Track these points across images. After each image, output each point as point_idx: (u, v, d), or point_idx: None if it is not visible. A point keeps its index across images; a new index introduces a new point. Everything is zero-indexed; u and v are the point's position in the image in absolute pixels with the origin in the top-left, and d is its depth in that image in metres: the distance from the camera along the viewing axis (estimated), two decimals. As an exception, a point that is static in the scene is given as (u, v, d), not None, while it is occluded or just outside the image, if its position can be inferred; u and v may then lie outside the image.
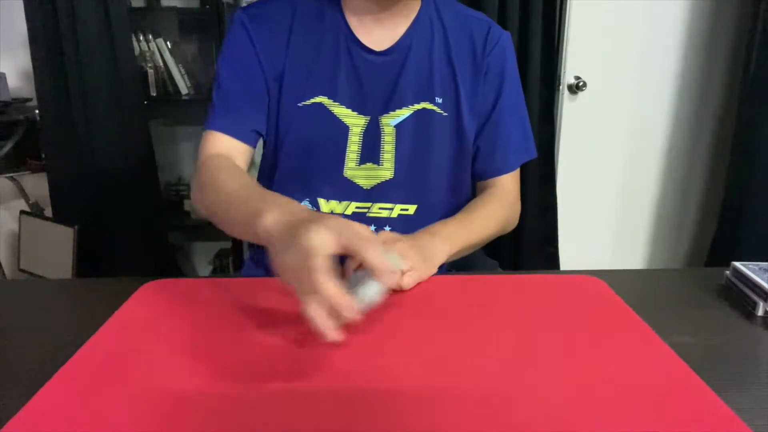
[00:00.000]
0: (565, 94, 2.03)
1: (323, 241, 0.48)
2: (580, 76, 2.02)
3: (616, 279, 0.70)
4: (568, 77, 2.01)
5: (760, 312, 0.63)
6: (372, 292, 0.52)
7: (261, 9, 0.86)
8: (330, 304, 0.47)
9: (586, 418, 0.43)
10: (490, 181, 0.93)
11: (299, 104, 0.84)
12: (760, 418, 0.45)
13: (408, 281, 0.66)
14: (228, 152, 0.81)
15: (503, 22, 1.83)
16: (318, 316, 0.47)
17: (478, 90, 0.88)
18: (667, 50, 2.06)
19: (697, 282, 0.73)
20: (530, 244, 2.05)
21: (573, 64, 2.00)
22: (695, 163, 2.20)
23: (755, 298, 0.64)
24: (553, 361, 0.52)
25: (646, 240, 2.30)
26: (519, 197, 0.95)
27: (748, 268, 0.68)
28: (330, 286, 0.46)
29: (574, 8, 1.92)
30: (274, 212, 0.55)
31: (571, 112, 2.06)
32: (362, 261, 0.49)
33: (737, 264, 0.69)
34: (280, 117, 0.85)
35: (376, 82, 0.84)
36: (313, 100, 0.84)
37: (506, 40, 0.90)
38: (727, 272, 0.71)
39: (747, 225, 1.91)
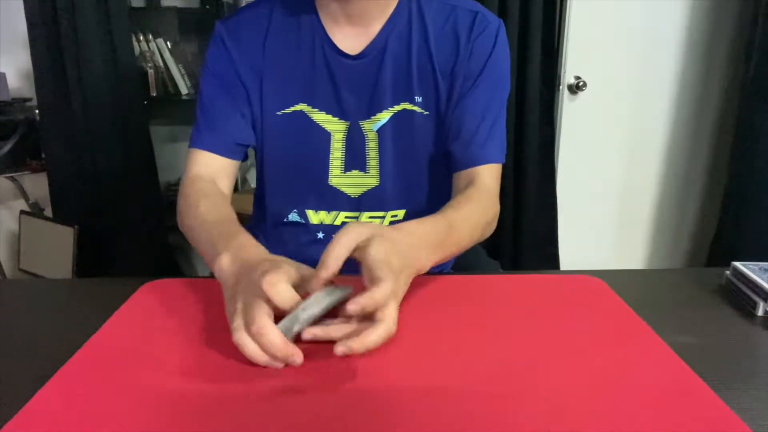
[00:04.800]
0: (565, 94, 2.03)
1: (275, 279, 0.50)
2: (580, 76, 2.02)
3: (616, 279, 0.70)
4: (568, 77, 2.01)
5: (760, 312, 0.63)
6: (315, 309, 0.52)
7: (238, 19, 0.84)
8: (263, 345, 0.49)
9: (586, 419, 0.43)
10: (471, 173, 0.81)
11: (279, 113, 0.83)
12: (760, 418, 0.45)
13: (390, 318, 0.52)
14: (211, 172, 0.83)
15: (503, 23, 1.83)
16: (251, 351, 0.50)
17: (458, 78, 0.81)
18: (667, 50, 2.06)
19: (697, 282, 0.73)
20: (530, 244, 2.05)
21: (573, 64, 2.00)
22: (695, 163, 2.20)
23: (755, 298, 0.64)
24: (553, 361, 0.52)
25: (646, 240, 2.30)
26: (498, 196, 0.83)
27: (748, 268, 0.68)
28: (270, 330, 0.49)
29: (574, 8, 1.92)
30: (229, 255, 0.60)
31: (571, 112, 2.06)
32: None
33: (737, 264, 0.69)
34: (263, 127, 0.84)
35: (353, 86, 0.82)
36: (293, 108, 0.83)
37: (496, 27, 0.84)
38: (727, 272, 0.71)
39: (747, 225, 1.91)
